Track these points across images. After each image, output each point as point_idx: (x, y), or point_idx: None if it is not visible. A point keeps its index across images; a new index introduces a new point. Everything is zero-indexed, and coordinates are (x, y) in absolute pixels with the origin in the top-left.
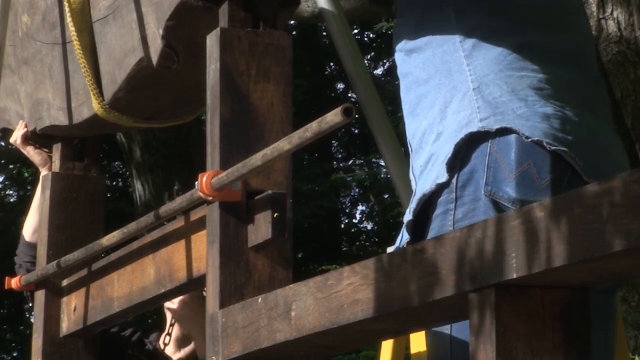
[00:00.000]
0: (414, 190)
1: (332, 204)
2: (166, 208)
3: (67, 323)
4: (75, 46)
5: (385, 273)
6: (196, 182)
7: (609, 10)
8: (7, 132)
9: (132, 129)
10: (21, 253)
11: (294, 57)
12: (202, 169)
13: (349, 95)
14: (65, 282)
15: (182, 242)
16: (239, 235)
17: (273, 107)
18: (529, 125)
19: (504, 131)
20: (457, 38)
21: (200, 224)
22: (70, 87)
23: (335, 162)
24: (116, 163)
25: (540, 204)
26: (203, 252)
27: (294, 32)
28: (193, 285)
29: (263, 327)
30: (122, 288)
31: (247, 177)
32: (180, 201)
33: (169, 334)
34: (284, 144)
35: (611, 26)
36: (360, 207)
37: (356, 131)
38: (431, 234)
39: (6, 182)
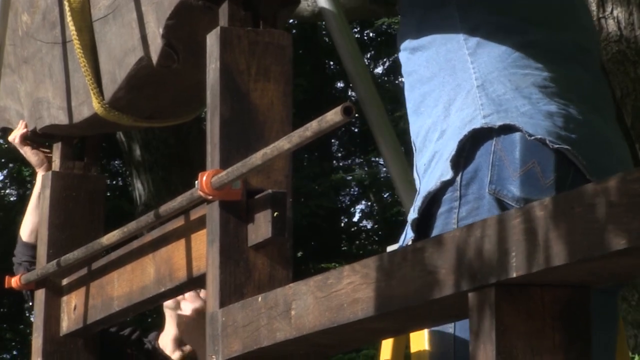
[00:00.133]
0: (418, 189)
1: (331, 203)
2: (166, 207)
3: (67, 322)
4: (76, 45)
5: (385, 272)
6: (196, 182)
7: (608, 10)
8: (7, 132)
9: (132, 128)
10: (19, 253)
11: (294, 56)
12: (202, 168)
13: (349, 94)
14: (65, 281)
15: (182, 242)
16: (239, 234)
17: (273, 106)
18: (533, 123)
19: (507, 129)
20: (461, 36)
21: (200, 223)
22: (70, 87)
23: (335, 161)
24: (116, 162)
25: (540, 203)
26: (203, 251)
27: (293, 31)
28: (193, 285)
29: (263, 326)
30: (122, 287)
31: (247, 176)
32: (180, 200)
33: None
34: (284, 143)
35: (611, 25)
36: (359, 206)
37: (356, 130)
38: (435, 231)
39: (6, 182)
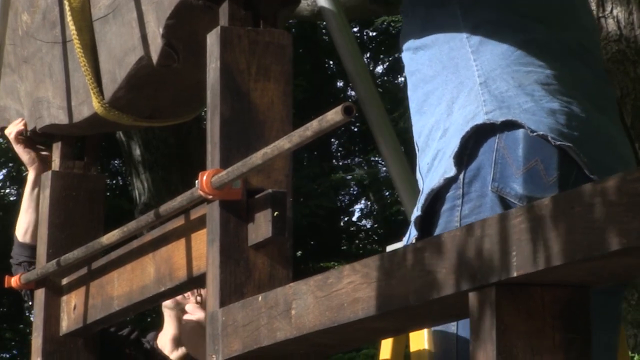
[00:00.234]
0: (421, 189)
1: (331, 203)
2: (166, 207)
3: (67, 322)
4: (76, 45)
5: (385, 272)
6: (196, 181)
7: (608, 9)
8: None
9: (132, 127)
10: (16, 254)
11: (293, 55)
12: (202, 167)
13: (349, 93)
14: (65, 281)
15: (182, 241)
16: (239, 233)
17: (273, 105)
18: (535, 120)
19: (510, 126)
20: (463, 34)
21: (201, 222)
22: (70, 86)
23: (334, 160)
24: (116, 162)
25: (541, 203)
26: (203, 250)
27: (292, 30)
28: (193, 284)
29: (263, 326)
30: (122, 287)
31: (247, 176)
32: (180, 200)
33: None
34: (285, 143)
35: (611, 25)
36: (359, 206)
37: (355, 129)
38: (438, 229)
39: (6, 182)
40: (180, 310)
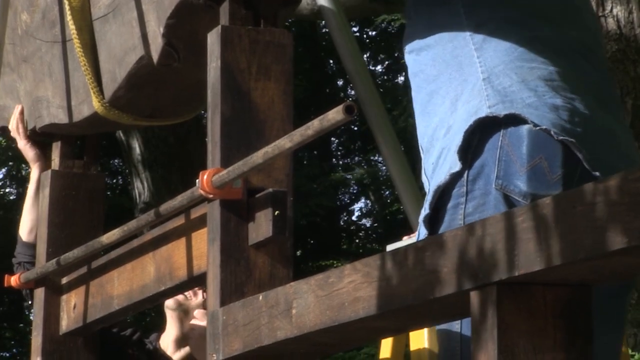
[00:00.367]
0: (427, 190)
1: (331, 202)
2: (167, 206)
3: (67, 321)
4: (76, 44)
5: (386, 271)
6: (197, 180)
7: (608, 8)
8: (7, 130)
9: (132, 127)
10: (19, 254)
11: (293, 55)
12: (202, 167)
13: (349, 92)
14: (65, 280)
15: (183, 240)
16: (240, 233)
17: (274, 104)
18: (538, 115)
19: (513, 120)
20: (467, 32)
21: (201, 221)
22: (70, 85)
23: (334, 160)
24: (116, 161)
25: (543, 202)
26: (204, 250)
27: (292, 29)
28: (194, 284)
29: (264, 325)
30: (122, 286)
31: (247, 175)
32: (180, 199)
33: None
34: (285, 142)
35: (611, 24)
36: (359, 205)
37: (355, 129)
38: (443, 226)
39: (6, 180)
40: (182, 311)
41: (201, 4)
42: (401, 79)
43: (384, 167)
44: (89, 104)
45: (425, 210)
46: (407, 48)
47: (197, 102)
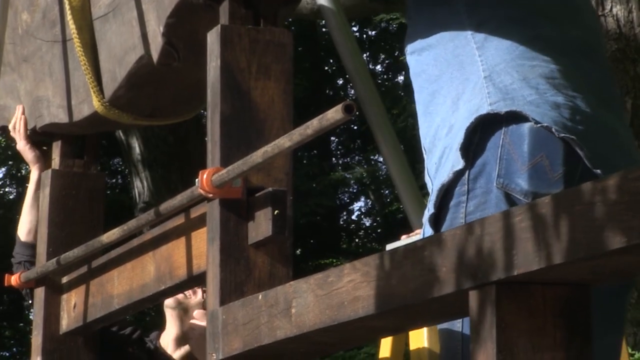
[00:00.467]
0: (430, 190)
1: (331, 202)
2: (166, 205)
3: (67, 320)
4: (76, 44)
5: (385, 270)
6: (196, 179)
7: (608, 7)
8: (7, 130)
9: (132, 126)
10: (18, 254)
11: (293, 54)
12: (202, 166)
13: (349, 92)
14: (65, 279)
15: (182, 240)
16: (239, 232)
17: (274, 104)
18: (539, 112)
19: (515, 119)
20: (468, 32)
21: (201, 221)
22: (70, 85)
23: (334, 159)
24: (116, 160)
25: (542, 201)
26: (203, 249)
27: (292, 29)
28: (193, 283)
29: (263, 324)
30: (122, 285)
31: (247, 174)
32: (180, 198)
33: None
34: (285, 141)
35: (610, 23)
36: (359, 204)
37: (355, 128)
38: (445, 225)
39: (6, 180)
40: (181, 309)
41: (201, 4)
42: (401, 78)
43: (384, 167)
44: (89, 104)
45: (429, 210)
46: (409, 49)
47: (197, 102)
